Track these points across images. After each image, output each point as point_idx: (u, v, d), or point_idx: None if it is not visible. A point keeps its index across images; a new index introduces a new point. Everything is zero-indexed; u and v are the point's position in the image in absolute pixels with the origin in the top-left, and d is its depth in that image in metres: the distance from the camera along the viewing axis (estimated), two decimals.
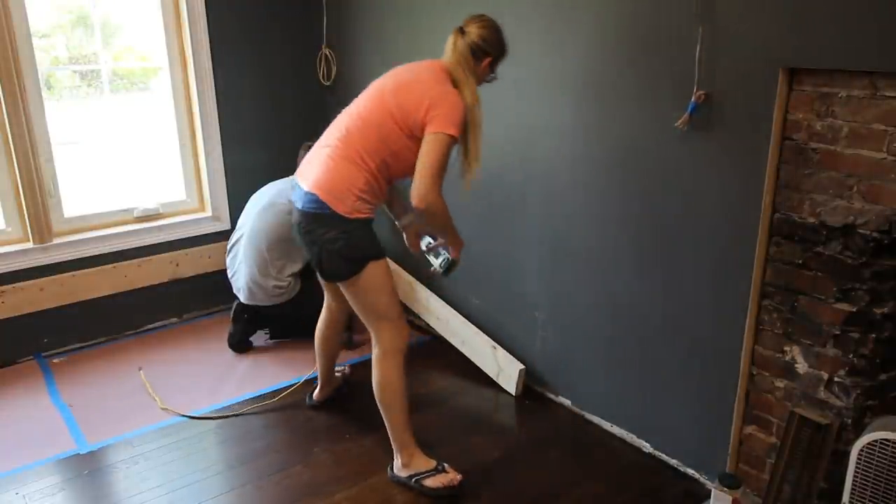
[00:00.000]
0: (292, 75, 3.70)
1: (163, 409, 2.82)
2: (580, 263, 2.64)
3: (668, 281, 2.34)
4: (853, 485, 1.80)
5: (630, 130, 2.34)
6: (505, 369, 2.96)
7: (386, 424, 2.35)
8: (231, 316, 3.32)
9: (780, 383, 2.11)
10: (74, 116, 3.36)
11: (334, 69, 3.69)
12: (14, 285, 3.09)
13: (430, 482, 2.29)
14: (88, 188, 3.37)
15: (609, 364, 2.62)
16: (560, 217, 2.67)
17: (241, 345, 3.29)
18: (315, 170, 2.19)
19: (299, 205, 2.20)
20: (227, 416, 2.76)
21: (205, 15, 3.34)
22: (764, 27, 1.91)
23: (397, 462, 2.36)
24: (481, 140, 2.19)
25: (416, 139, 2.09)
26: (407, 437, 2.33)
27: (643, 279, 2.42)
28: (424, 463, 2.33)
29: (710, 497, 2.10)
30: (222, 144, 3.53)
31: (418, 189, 2.05)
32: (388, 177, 2.20)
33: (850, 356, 1.93)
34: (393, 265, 3.52)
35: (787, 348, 2.07)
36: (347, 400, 2.87)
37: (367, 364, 3.14)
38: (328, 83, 3.74)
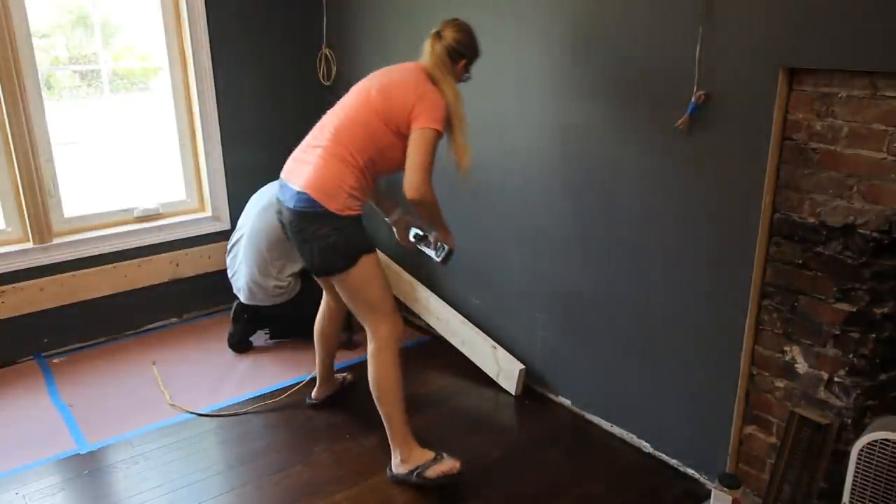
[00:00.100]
0: (292, 75, 3.70)
1: (171, 405, 2.83)
2: (580, 263, 2.64)
3: (668, 281, 2.34)
4: (853, 485, 1.80)
5: (630, 130, 2.34)
6: (505, 369, 2.96)
7: (383, 419, 2.37)
8: (231, 316, 3.32)
9: (780, 383, 2.11)
10: (74, 116, 3.36)
11: (334, 69, 3.69)
12: (14, 285, 3.09)
13: (431, 472, 2.31)
14: (88, 188, 3.37)
15: (609, 364, 2.62)
16: (560, 217, 2.67)
17: (241, 345, 3.29)
18: (305, 169, 2.24)
19: (290, 204, 2.24)
20: (233, 415, 2.76)
21: (205, 15, 3.34)
22: (764, 27, 1.91)
23: (396, 459, 2.37)
24: (467, 132, 2.28)
25: (402, 136, 2.21)
26: (404, 431, 2.35)
27: (643, 279, 2.42)
28: (423, 455, 2.35)
29: (710, 497, 2.10)
30: (222, 144, 3.53)
31: (411, 181, 2.16)
32: (375, 173, 2.30)
33: (850, 356, 1.93)
34: (393, 265, 3.52)
35: (787, 348, 2.07)
36: (347, 399, 2.87)
37: (366, 364, 3.15)
38: (328, 83, 3.74)
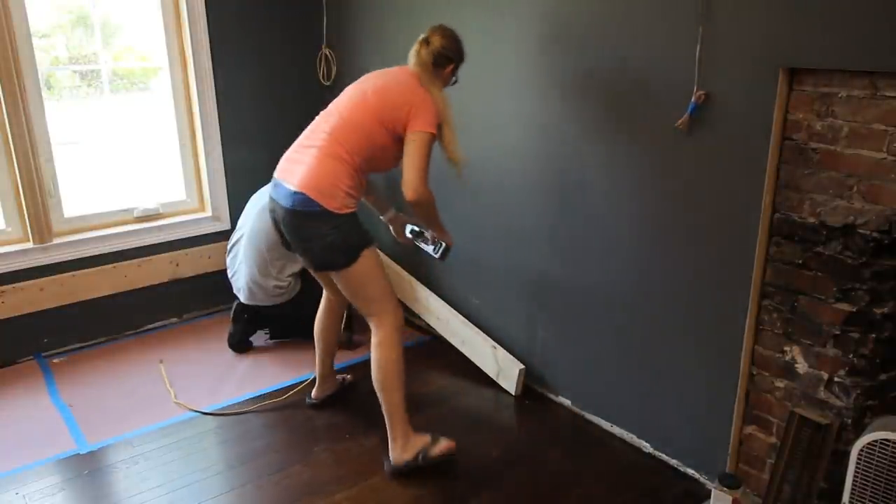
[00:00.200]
0: (292, 75, 3.70)
1: (176, 402, 2.84)
2: (580, 264, 2.64)
3: (667, 281, 2.34)
4: (853, 485, 1.80)
5: (630, 130, 2.34)
6: (505, 369, 2.97)
7: (385, 409, 2.38)
8: (231, 316, 3.32)
9: (780, 383, 2.11)
10: (74, 116, 3.36)
11: (334, 69, 3.69)
12: (14, 285, 3.09)
13: (433, 453, 2.40)
14: (88, 188, 3.37)
15: (609, 364, 2.62)
16: (560, 218, 2.67)
17: (241, 345, 3.29)
18: (300, 168, 2.28)
19: (287, 203, 2.27)
20: (234, 413, 2.76)
21: (205, 15, 3.34)
22: (764, 27, 1.91)
23: (395, 450, 2.39)
24: (456, 134, 2.37)
25: (396, 137, 2.30)
26: (405, 420, 2.38)
27: (643, 279, 2.42)
28: (422, 440, 2.41)
29: (710, 497, 2.10)
30: (222, 144, 3.53)
31: (409, 183, 2.25)
32: (368, 172, 2.38)
33: (850, 356, 1.93)
34: (393, 265, 3.52)
35: (787, 348, 2.07)
36: (347, 399, 2.87)
37: (366, 364, 3.15)
38: (328, 83, 3.74)
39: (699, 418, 2.34)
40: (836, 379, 1.97)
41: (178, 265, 3.53)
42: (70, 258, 3.22)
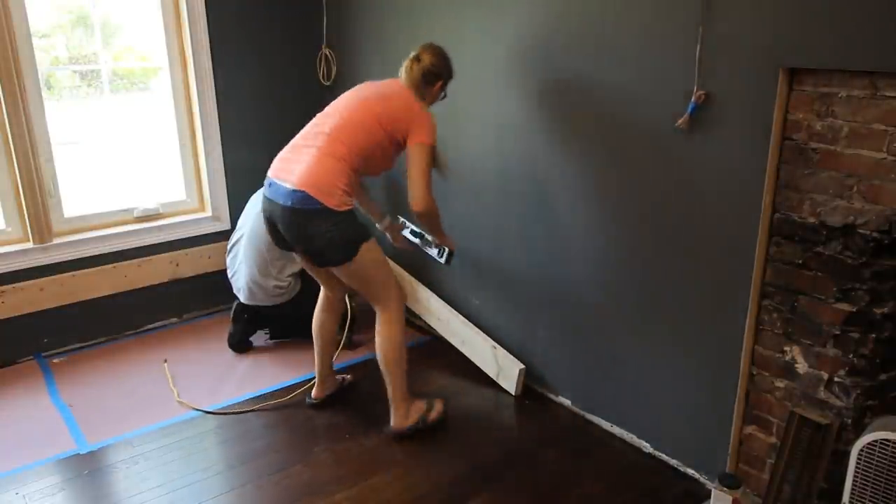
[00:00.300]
0: (292, 75, 3.70)
1: (179, 402, 2.84)
2: (580, 263, 2.64)
3: (667, 281, 2.34)
4: (853, 485, 1.80)
5: (630, 130, 2.34)
6: (505, 369, 2.97)
7: (388, 382, 2.55)
8: (231, 316, 3.32)
9: (780, 383, 2.11)
10: (74, 116, 3.36)
11: (334, 69, 3.69)
12: (14, 285, 3.09)
13: (431, 417, 2.64)
14: (88, 188, 3.37)
15: (609, 364, 2.62)
16: (559, 218, 2.67)
17: (241, 345, 3.29)
18: (298, 168, 2.34)
19: (286, 201, 2.32)
20: (234, 413, 2.76)
21: (205, 15, 3.34)
22: (764, 27, 1.91)
23: (397, 417, 2.57)
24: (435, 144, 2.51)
25: (395, 142, 2.42)
26: (406, 390, 2.58)
27: (643, 279, 2.42)
28: (421, 406, 2.64)
29: (710, 497, 2.10)
30: (222, 144, 3.53)
31: (416, 195, 2.39)
32: (363, 174, 2.47)
33: (850, 356, 1.93)
34: (395, 266, 3.52)
35: (787, 348, 2.07)
36: (347, 399, 2.87)
37: (366, 364, 3.16)
38: (328, 83, 3.74)
39: (699, 418, 2.34)
40: (836, 379, 1.97)
41: (178, 265, 3.53)
42: (70, 258, 3.22)
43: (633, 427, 2.59)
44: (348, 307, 2.99)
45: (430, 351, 3.29)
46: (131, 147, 3.46)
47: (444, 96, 2.60)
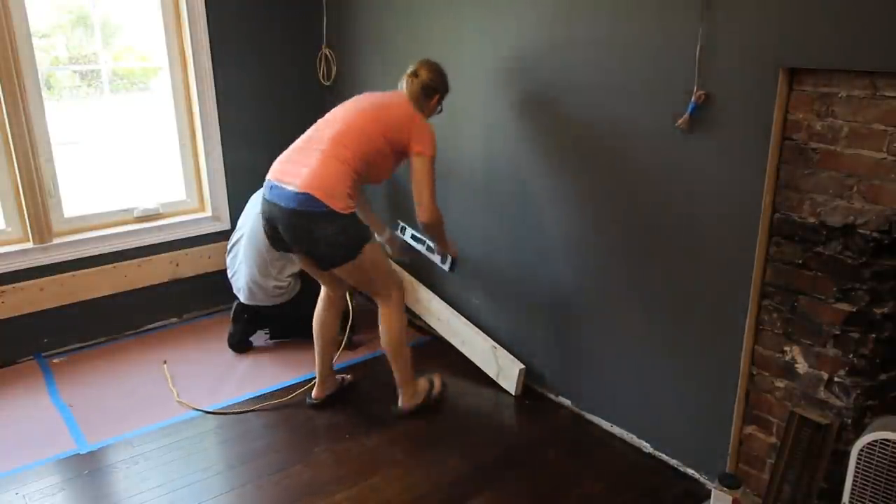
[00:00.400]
0: (292, 75, 3.70)
1: (178, 402, 2.85)
2: (580, 264, 2.64)
3: (667, 281, 2.34)
4: (853, 485, 1.80)
5: (630, 130, 2.34)
6: (505, 369, 2.97)
7: (394, 367, 2.67)
8: (231, 316, 3.32)
9: (780, 383, 2.11)
10: (74, 116, 3.36)
11: (334, 69, 3.69)
12: (14, 285, 3.09)
13: (434, 394, 2.81)
14: (88, 188, 3.37)
15: (609, 364, 2.62)
16: (560, 218, 2.67)
17: (241, 345, 3.29)
18: (302, 171, 2.37)
19: (290, 204, 2.34)
20: (235, 413, 2.76)
21: (205, 15, 3.34)
22: (764, 27, 1.91)
23: (405, 397, 2.72)
24: None
25: (396, 151, 2.49)
26: (411, 373, 2.71)
27: (643, 279, 2.42)
28: (424, 384, 2.79)
29: (710, 497, 2.10)
30: (222, 144, 3.53)
31: (425, 206, 2.50)
32: (365, 180, 2.50)
33: (850, 356, 1.93)
34: (396, 267, 3.52)
35: (787, 348, 2.07)
36: (347, 399, 2.87)
37: (366, 364, 3.16)
38: (328, 83, 3.74)
39: (699, 418, 2.34)
40: (836, 379, 1.97)
41: (178, 265, 3.53)
42: (70, 258, 3.22)
43: (633, 427, 2.59)
44: (349, 307, 3.00)
45: (430, 351, 3.29)
46: (131, 147, 3.46)
47: (441, 110, 2.68)
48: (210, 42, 3.38)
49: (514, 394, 2.92)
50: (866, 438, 1.76)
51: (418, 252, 2.98)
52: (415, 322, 3.51)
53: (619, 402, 2.62)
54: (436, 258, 2.89)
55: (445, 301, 3.31)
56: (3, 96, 2.93)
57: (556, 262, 2.73)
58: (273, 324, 3.36)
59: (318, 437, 2.64)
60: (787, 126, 1.95)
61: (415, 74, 2.56)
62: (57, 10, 3.18)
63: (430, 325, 3.43)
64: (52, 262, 3.18)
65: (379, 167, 2.50)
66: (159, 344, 3.37)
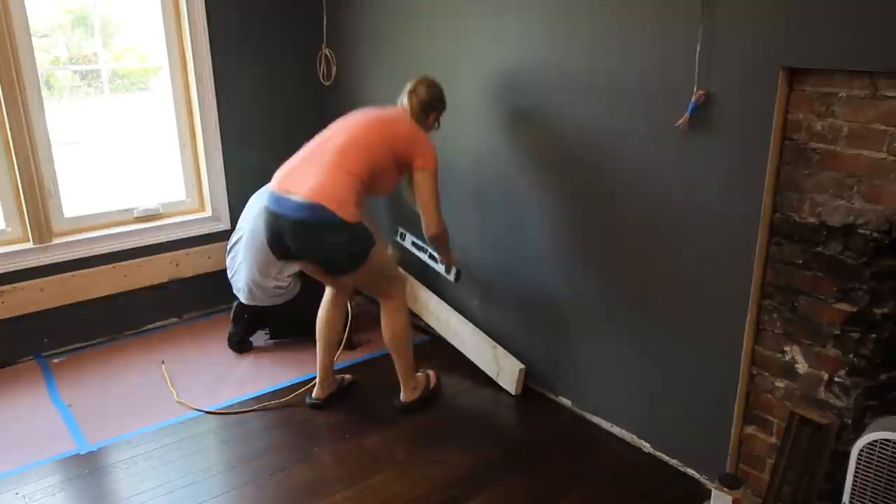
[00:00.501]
0: (292, 75, 3.70)
1: (178, 402, 2.85)
2: (580, 263, 2.64)
3: (667, 281, 2.34)
4: (853, 485, 1.80)
5: (630, 130, 2.34)
6: (505, 369, 2.96)
7: (397, 362, 2.73)
8: (231, 316, 3.32)
9: (780, 383, 2.11)
10: (74, 116, 3.36)
11: (334, 69, 3.69)
12: (14, 285, 3.09)
13: (432, 386, 2.88)
14: (88, 188, 3.37)
15: (609, 364, 2.62)
16: (559, 218, 2.67)
17: (241, 345, 3.29)
18: (311, 181, 2.38)
19: (299, 214, 2.36)
20: (236, 413, 2.76)
21: (205, 15, 3.34)
22: (764, 27, 1.91)
23: (405, 391, 2.78)
24: None
25: (399, 164, 2.55)
26: (413, 368, 2.78)
27: (643, 279, 2.42)
28: (423, 379, 2.86)
29: (710, 497, 2.10)
30: (222, 144, 3.53)
31: (431, 220, 2.59)
32: (369, 192, 2.53)
33: (850, 356, 1.93)
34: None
35: (787, 348, 2.07)
36: (347, 399, 2.87)
37: (367, 364, 3.16)
38: (328, 83, 3.74)
39: (699, 418, 2.34)
40: (836, 379, 1.97)
41: (178, 265, 3.53)
42: (70, 258, 3.22)
43: (633, 427, 2.59)
44: (349, 307, 3.00)
45: (430, 351, 3.29)
46: (131, 147, 3.46)
47: (438, 127, 2.75)
48: (210, 42, 3.38)
49: (514, 394, 2.92)
50: (866, 438, 1.76)
51: (417, 257, 3.03)
52: (415, 322, 3.50)
53: (619, 402, 2.62)
54: (439, 268, 2.97)
55: (445, 301, 3.31)
56: (3, 96, 2.93)
57: (556, 263, 2.73)
58: (273, 324, 3.36)
59: (318, 437, 2.64)
60: (787, 126, 1.95)
61: (413, 92, 2.62)
62: (57, 9, 3.18)
63: (429, 325, 3.43)
64: (52, 262, 3.18)
65: (383, 180, 2.55)
66: (159, 344, 3.37)
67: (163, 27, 3.33)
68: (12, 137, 2.99)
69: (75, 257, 3.23)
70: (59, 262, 3.20)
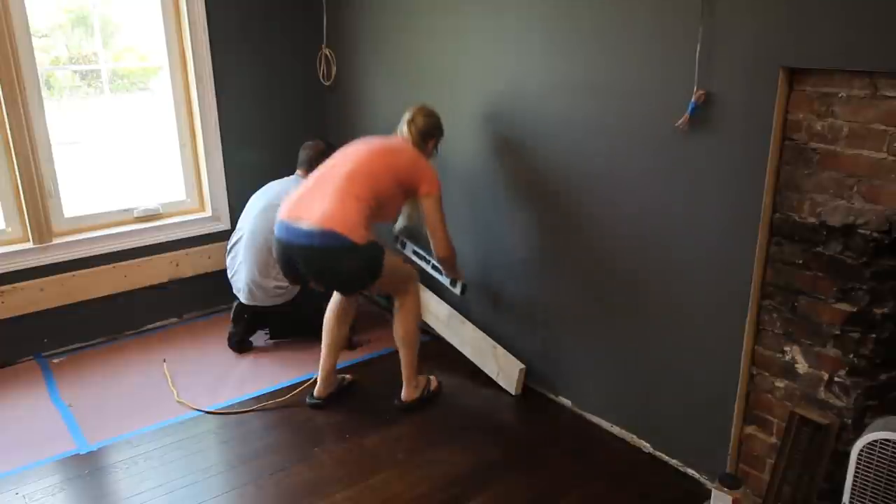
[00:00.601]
0: (292, 75, 3.70)
1: (178, 401, 2.85)
2: (579, 264, 2.64)
3: (668, 281, 2.34)
4: (853, 485, 1.80)
5: (630, 130, 2.34)
6: (505, 369, 2.97)
7: (403, 359, 2.76)
8: (231, 316, 3.32)
9: (780, 383, 2.11)
10: (74, 116, 3.36)
11: (334, 69, 3.69)
12: (14, 285, 3.09)
13: (433, 388, 2.90)
14: (88, 188, 3.37)
15: (609, 364, 2.62)
16: (559, 218, 2.67)
17: (241, 345, 3.29)
18: (321, 207, 2.44)
19: (311, 241, 2.42)
20: (236, 412, 2.76)
21: (205, 15, 3.34)
22: (764, 27, 1.91)
23: (407, 390, 2.80)
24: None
25: (405, 191, 2.63)
26: (416, 367, 2.81)
27: (643, 279, 2.42)
28: (425, 380, 2.89)
29: (710, 497, 2.10)
30: (222, 144, 3.53)
31: (440, 243, 2.69)
32: (377, 217, 2.57)
33: (850, 356, 1.93)
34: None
35: (787, 348, 2.07)
36: (347, 399, 2.87)
37: (367, 364, 3.16)
38: (328, 83, 3.74)
39: (699, 418, 2.34)
40: (836, 379, 1.97)
41: (178, 265, 3.53)
42: (70, 258, 3.22)
43: (633, 427, 2.59)
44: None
45: (430, 351, 3.28)
46: (131, 147, 3.46)
47: (437, 154, 2.84)
48: (210, 42, 3.38)
49: (514, 394, 2.92)
50: (866, 438, 1.76)
51: (423, 267, 3.09)
52: None
53: (619, 402, 2.62)
54: (444, 280, 3.03)
55: (445, 301, 3.31)
56: (3, 96, 2.93)
57: (557, 263, 2.73)
58: (273, 324, 3.36)
59: (319, 437, 2.64)
60: (787, 126, 1.95)
61: (412, 121, 2.71)
62: (57, 9, 3.18)
63: (430, 325, 3.43)
64: (52, 262, 3.18)
65: (388, 207, 2.62)
66: (159, 344, 3.37)
67: (163, 27, 3.33)
68: (12, 137, 2.99)
69: (75, 257, 3.23)
70: (59, 262, 3.20)
